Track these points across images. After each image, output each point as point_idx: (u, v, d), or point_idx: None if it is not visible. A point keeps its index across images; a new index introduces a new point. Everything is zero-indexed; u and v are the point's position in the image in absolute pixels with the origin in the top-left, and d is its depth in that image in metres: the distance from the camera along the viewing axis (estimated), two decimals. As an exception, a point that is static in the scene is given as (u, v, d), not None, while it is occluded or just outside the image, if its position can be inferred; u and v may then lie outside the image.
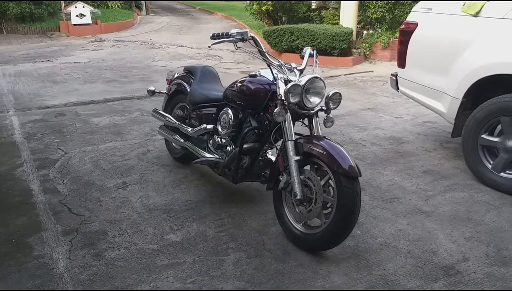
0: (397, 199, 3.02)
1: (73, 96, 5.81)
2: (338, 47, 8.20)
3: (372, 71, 7.93)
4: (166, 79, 3.68)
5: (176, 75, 3.58)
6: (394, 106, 5.54)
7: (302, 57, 2.70)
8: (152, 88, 3.64)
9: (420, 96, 3.70)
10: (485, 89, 3.18)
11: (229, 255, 2.34)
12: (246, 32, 2.45)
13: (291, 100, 2.32)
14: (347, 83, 6.95)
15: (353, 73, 7.71)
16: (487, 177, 3.17)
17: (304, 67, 2.61)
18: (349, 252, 2.38)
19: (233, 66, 8.35)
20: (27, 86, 6.37)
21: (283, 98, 2.34)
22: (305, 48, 2.74)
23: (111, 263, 2.27)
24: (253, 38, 2.48)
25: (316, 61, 2.66)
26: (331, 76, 7.38)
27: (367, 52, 8.66)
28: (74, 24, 11.46)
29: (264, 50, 2.52)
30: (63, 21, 11.58)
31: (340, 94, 2.50)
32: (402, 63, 3.81)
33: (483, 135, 3.17)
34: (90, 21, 11.60)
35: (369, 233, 2.58)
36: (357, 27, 9.08)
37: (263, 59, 2.50)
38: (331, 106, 2.50)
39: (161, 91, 3.66)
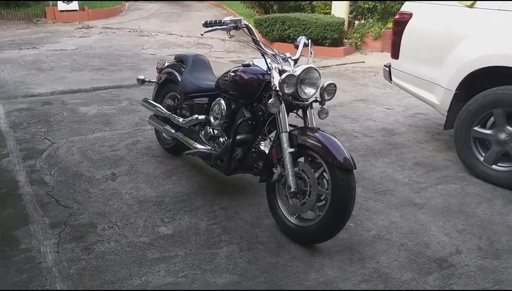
0: (390, 191, 3.01)
1: (60, 85, 5.68)
2: (329, 37, 8.16)
3: (363, 62, 7.91)
4: (156, 68, 3.60)
5: (166, 64, 3.50)
6: (386, 97, 5.53)
7: (296, 47, 2.65)
8: (141, 77, 3.56)
9: (413, 88, 3.69)
10: (479, 81, 3.17)
11: (221, 248, 2.31)
12: (240, 20, 2.39)
13: (286, 91, 2.28)
14: (339, 73, 6.92)
15: (345, 64, 7.68)
16: (479, 169, 3.17)
17: (299, 57, 2.57)
18: (342, 244, 2.37)
19: (223, 55, 8.26)
20: (12, 74, 6.21)
21: (277, 89, 2.30)
22: (299, 38, 2.69)
23: (100, 257, 2.22)
24: (247, 26, 2.42)
25: (310, 51, 2.62)
26: (322, 67, 7.33)
27: (359, 43, 8.63)
28: (61, 11, 11.21)
29: (258, 39, 2.46)
30: (49, 7, 11.32)
31: (335, 85, 2.47)
32: (395, 54, 3.78)
33: (475, 128, 3.17)
34: (77, 7, 11.36)
35: (362, 225, 2.57)
36: (349, 17, 9.03)
37: (257, 48, 2.45)
38: (326, 98, 2.46)
39: (151, 80, 3.59)
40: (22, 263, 2.16)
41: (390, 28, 8.46)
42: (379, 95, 5.62)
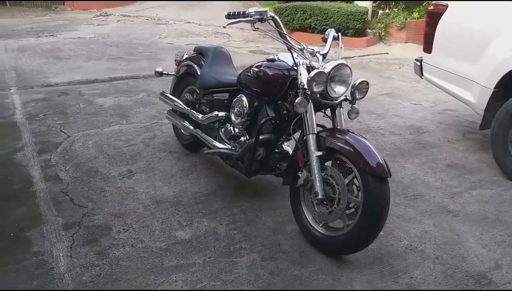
0: (421, 195, 2.82)
1: (77, 74, 5.59)
2: (352, 27, 7.89)
3: (387, 53, 7.62)
4: (175, 60, 3.45)
5: (185, 56, 3.34)
6: (412, 91, 5.28)
7: (325, 40, 2.47)
8: (159, 69, 3.41)
9: (447, 84, 3.46)
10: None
11: (242, 257, 2.17)
12: (266, 11, 2.21)
13: (315, 89, 2.10)
14: (362, 65, 6.67)
15: (368, 55, 7.41)
16: (517, 174, 2.96)
17: (327, 52, 2.39)
18: (372, 256, 2.20)
19: (242, 45, 8.07)
20: (30, 62, 6.16)
21: (305, 87, 2.12)
22: (328, 30, 2.51)
23: (115, 263, 2.10)
24: (273, 18, 2.25)
25: (341, 45, 2.43)
26: (344, 58, 7.04)
27: (382, 33, 8.33)
28: (79, -2, 11.14)
29: (285, 32, 2.29)
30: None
31: (367, 83, 2.28)
32: (428, 48, 3.54)
33: (515, 129, 2.94)
34: (95, -5, 11.27)
35: (393, 234, 2.39)
36: (373, 6, 8.71)
37: (283, 42, 2.28)
38: (357, 96, 2.27)
39: (169, 73, 3.44)
40: (33, 268, 2.06)
41: (415, 18, 8.14)
42: (405, 90, 5.37)
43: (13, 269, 2.04)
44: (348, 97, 2.28)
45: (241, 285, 1.98)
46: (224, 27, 2.35)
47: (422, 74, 3.73)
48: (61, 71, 5.75)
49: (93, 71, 5.79)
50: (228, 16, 2.31)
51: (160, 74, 3.41)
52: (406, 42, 8.20)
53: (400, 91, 5.28)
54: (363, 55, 7.38)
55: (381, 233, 2.36)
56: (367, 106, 4.63)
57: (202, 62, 3.10)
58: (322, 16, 7.98)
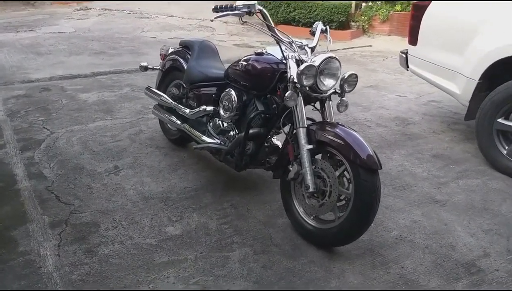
0: (409, 186, 2.85)
1: (59, 69, 5.47)
2: (336, 20, 7.91)
3: (370, 45, 7.67)
4: (160, 54, 3.39)
5: (171, 50, 3.29)
6: (397, 83, 5.33)
7: (313, 34, 2.46)
8: (144, 63, 3.36)
9: (432, 76, 3.49)
10: (504, 71, 2.97)
11: (234, 251, 2.16)
12: (254, 4, 2.18)
13: (305, 82, 2.09)
14: (346, 58, 6.69)
15: (352, 48, 7.44)
16: (502, 163, 3.01)
17: (316, 45, 2.38)
18: (363, 247, 2.21)
19: (226, 38, 8.01)
20: (9, 58, 6.00)
21: (295, 80, 2.11)
22: (316, 23, 2.50)
23: (105, 261, 2.07)
24: (261, 11, 2.23)
25: (329, 38, 2.43)
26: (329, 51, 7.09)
27: (366, 26, 8.37)
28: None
29: (273, 26, 2.27)
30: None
31: (356, 76, 2.28)
32: (413, 40, 3.57)
33: (499, 120, 2.98)
34: (74, -12, 11.02)
35: (383, 225, 2.41)
36: (356, -1, 8.73)
37: (272, 35, 2.26)
38: (347, 89, 2.28)
39: (155, 67, 3.39)
40: (20, 267, 2.01)
41: (398, 11, 8.20)
42: (390, 82, 5.42)
43: (-1, 270, 1.99)
44: (337, 90, 2.27)
45: (234, 280, 1.97)
46: (212, 20, 2.33)
47: (408, 67, 3.76)
48: (42, 66, 5.61)
49: (75, 66, 5.67)
50: (215, 9, 2.27)
51: (145, 68, 3.35)
52: (389, 35, 8.26)
53: (384, 84, 5.32)
54: (348, 48, 7.41)
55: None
56: (353, 99, 4.64)
57: (188, 56, 3.06)
58: (306, 9, 7.97)
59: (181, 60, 3.08)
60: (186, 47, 3.15)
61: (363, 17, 8.36)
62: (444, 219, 2.48)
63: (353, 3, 8.28)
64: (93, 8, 10.45)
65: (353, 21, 8.27)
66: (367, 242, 2.26)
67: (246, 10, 2.18)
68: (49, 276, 1.96)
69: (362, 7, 8.69)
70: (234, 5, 2.21)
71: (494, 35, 2.94)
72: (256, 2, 2.21)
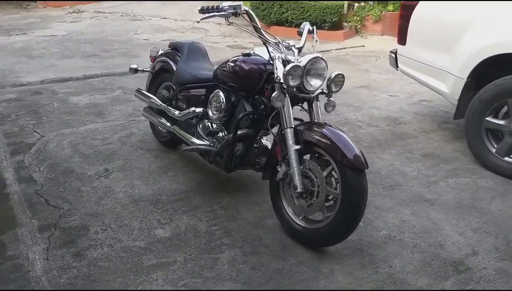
0: (399, 185, 2.86)
1: (51, 73, 5.46)
2: (328, 20, 7.93)
3: (363, 46, 7.69)
4: (150, 56, 3.39)
5: (160, 52, 3.29)
6: (389, 83, 5.35)
7: (300, 34, 2.46)
8: (134, 66, 3.35)
9: (421, 76, 3.51)
10: (491, 69, 3.00)
11: (223, 253, 2.16)
12: (239, 5, 2.19)
13: (291, 83, 2.10)
14: (339, 58, 6.72)
15: (344, 48, 7.47)
16: (491, 161, 3.03)
17: (303, 46, 2.38)
18: (352, 247, 2.22)
19: (219, 40, 8.02)
20: (1, 62, 5.99)
21: (281, 81, 2.11)
22: (303, 24, 2.50)
23: (93, 264, 2.06)
24: (247, 12, 2.23)
25: (316, 39, 2.43)
26: (321, 51, 7.11)
27: (358, 26, 8.39)
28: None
29: (259, 26, 2.27)
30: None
31: (343, 76, 2.28)
32: (402, 40, 3.59)
33: (487, 118, 3.00)
34: (67, -9, 11.00)
35: (372, 224, 2.42)
36: (348, -1, 8.76)
37: (259, 36, 2.26)
38: (334, 89, 2.27)
39: (145, 69, 3.38)
40: (8, 272, 2.00)
41: (390, 11, 8.23)
42: (382, 81, 5.44)
43: (-14, 275, 1.98)
44: (324, 90, 2.28)
45: (223, 281, 1.97)
46: (198, 22, 2.32)
47: (397, 66, 3.77)
48: (34, 70, 5.60)
49: (67, 69, 5.66)
50: (202, 10, 2.28)
51: (135, 71, 3.35)
52: (382, 35, 8.29)
53: (376, 83, 5.34)
54: (340, 48, 7.43)
55: (360, 224, 2.38)
56: (345, 99, 4.66)
57: (178, 58, 3.06)
58: (298, 10, 7.98)
59: (171, 62, 3.08)
60: (175, 49, 3.15)
61: (355, 18, 8.39)
62: (433, 218, 2.50)
63: (346, 3, 8.31)
64: (86, 10, 10.42)
65: (345, 22, 8.30)
66: (356, 241, 2.26)
67: (231, 11, 2.18)
68: (37, 280, 1.96)
69: (355, 7, 8.72)
70: (220, 6, 2.22)
71: (481, 34, 2.96)
72: (241, 3, 2.22)
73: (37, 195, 2.66)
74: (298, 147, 2.11)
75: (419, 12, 3.43)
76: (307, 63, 2.13)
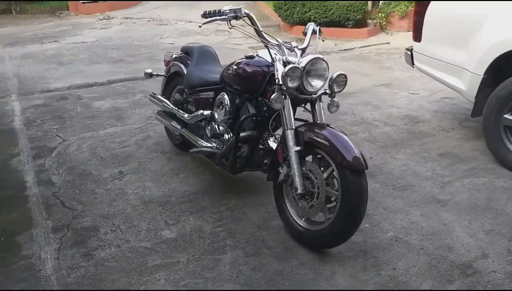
0: (411, 186, 2.79)
1: (78, 78, 5.67)
2: (352, 18, 7.81)
3: (388, 43, 7.52)
4: (164, 60, 3.47)
5: (174, 56, 3.36)
6: (411, 81, 5.21)
7: (305, 34, 2.46)
8: (149, 70, 3.44)
9: (438, 73, 3.40)
10: (509, 64, 2.87)
11: (225, 254, 2.18)
12: (240, 8, 2.21)
13: (290, 84, 2.10)
14: (361, 56, 6.60)
15: (368, 46, 7.33)
16: (510, 160, 2.90)
17: (306, 46, 2.37)
18: (356, 248, 2.19)
19: (242, 42, 8.05)
20: (32, 69, 6.26)
21: (280, 82, 2.12)
22: (308, 24, 2.49)
23: (100, 264, 2.14)
24: (247, 15, 2.25)
25: (320, 38, 2.42)
26: (344, 50, 7.03)
27: (383, 23, 8.21)
28: (83, 2, 11.26)
29: (261, 29, 2.28)
30: (71, 0, 11.36)
31: (345, 76, 2.26)
32: (418, 36, 3.49)
33: (506, 115, 2.88)
34: (97, -1, 11.38)
35: (379, 226, 2.38)
36: (373, -4, 8.59)
37: (260, 39, 2.28)
38: (336, 90, 2.26)
39: (159, 74, 3.46)
40: (21, 271, 2.11)
41: (417, 6, 8.00)
42: (404, 79, 5.30)
43: (1, 273, 2.09)
44: (327, 91, 2.26)
45: (223, 282, 2.00)
46: (199, 26, 2.35)
47: (413, 64, 3.68)
48: (62, 76, 5.83)
49: (93, 75, 5.85)
50: (204, 15, 2.31)
51: (150, 75, 3.44)
52: (409, 31, 8.02)
53: (398, 81, 5.21)
54: (364, 46, 7.30)
55: (366, 225, 2.37)
56: (364, 98, 4.59)
57: (188, 62, 3.12)
58: (321, 9, 7.91)
59: (182, 65, 3.14)
60: (186, 53, 3.21)
61: (380, 14, 8.21)
62: (443, 219, 2.42)
63: (370, 0, 8.16)
64: (115, 17, 10.74)
65: (370, 19, 8.14)
66: (361, 243, 2.23)
67: (232, 14, 2.20)
68: (47, 279, 2.05)
69: (380, 4, 8.54)
70: (222, 10, 2.24)
71: (497, 29, 2.84)
72: (242, 6, 2.23)
73: (54, 197, 2.78)
74: (298, 148, 2.11)
75: (434, 7, 3.32)
76: (306, 64, 2.12)
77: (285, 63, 2.20)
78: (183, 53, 3.25)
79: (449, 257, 2.12)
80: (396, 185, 2.81)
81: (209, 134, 2.78)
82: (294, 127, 2.15)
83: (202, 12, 2.34)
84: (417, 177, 2.90)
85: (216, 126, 2.71)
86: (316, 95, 2.23)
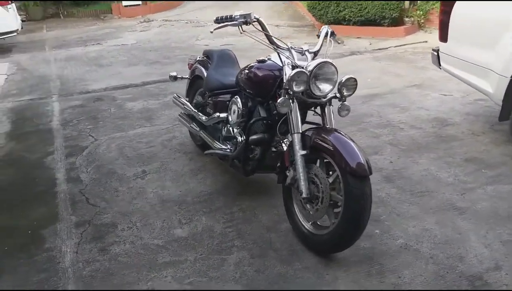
0: (429, 192, 2.72)
1: (115, 80, 5.92)
2: (388, 16, 7.62)
3: (426, 41, 7.27)
4: (188, 64, 3.57)
5: (197, 59, 3.45)
6: (445, 81, 5.01)
7: (320, 37, 2.46)
8: (174, 73, 3.55)
9: (465, 74, 3.28)
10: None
11: (232, 254, 2.24)
12: (250, 14, 2.26)
13: (295, 89, 2.11)
14: (395, 56, 6.43)
15: (404, 45, 7.12)
16: (540, 167, 2.75)
17: (319, 49, 2.37)
18: (362, 254, 2.17)
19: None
20: (75, 71, 6.60)
21: (287, 86, 2.14)
22: (322, 27, 2.49)
23: (114, 259, 2.26)
24: (258, 20, 2.29)
25: (334, 41, 2.41)
26: (378, 49, 6.88)
27: (422, 21, 7.95)
28: (125, 6, 11.71)
29: (271, 34, 2.31)
30: (114, 4, 11.85)
31: (355, 80, 2.24)
32: (444, 36, 3.38)
33: (536, 119, 2.74)
34: (140, 2, 11.78)
35: (390, 232, 2.34)
36: (412, -7, 8.33)
37: (270, 44, 2.31)
38: (345, 93, 2.25)
39: (184, 77, 3.57)
40: (43, 262, 2.27)
41: (458, 3, 7.68)
42: (437, 79, 5.12)
43: (25, 264, 2.26)
44: (337, 94, 2.26)
45: (225, 282, 2.05)
46: (211, 32, 2.41)
47: (440, 65, 3.56)
48: (101, 78, 6.10)
49: (129, 76, 6.09)
50: (216, 20, 2.37)
51: (175, 78, 3.55)
52: (449, 29, 7.76)
53: (431, 82, 5.04)
54: (399, 45, 7.10)
55: (376, 231, 2.35)
56: (392, 99, 4.49)
57: (209, 65, 3.19)
58: (356, 8, 7.78)
59: (203, 69, 3.23)
60: (207, 56, 3.29)
61: (418, 12, 7.96)
62: (459, 228, 2.35)
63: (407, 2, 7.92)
64: (155, 19, 11.09)
65: (407, 17, 7.91)
66: (368, 249, 2.21)
67: (242, 20, 2.25)
68: (64, 271, 2.19)
69: (418, 1, 8.27)
70: (233, 16, 2.30)
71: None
72: (252, 11, 2.27)
73: (80, 193, 2.95)
74: (303, 152, 2.12)
75: (460, 6, 3.20)
76: (313, 68, 2.13)
77: (293, 67, 2.22)
78: (205, 56, 3.33)
79: (459, 267, 2.05)
80: (414, 191, 2.75)
81: (224, 137, 2.84)
82: (300, 131, 2.16)
83: (214, 18, 2.40)
84: (438, 183, 2.82)
85: (230, 128, 2.76)
86: (325, 99, 2.23)
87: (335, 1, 7.98)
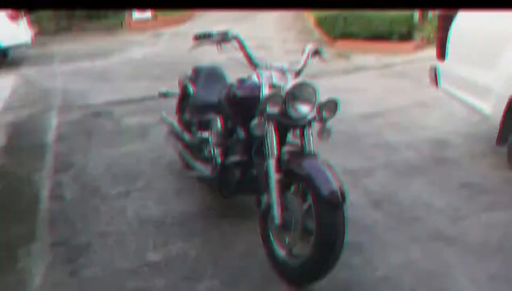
0: (418, 219, 2.58)
1: (116, 95, 5.91)
2: (397, 31, 7.50)
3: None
4: (178, 81, 3.52)
5: (187, 75, 3.40)
6: (450, 100, 4.85)
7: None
8: (164, 90, 3.51)
9: (463, 94, 3.14)
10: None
11: (202, 282, 2.14)
12: (227, 32, 2.20)
13: (270, 110, 2.03)
14: (402, 73, 6.30)
15: (412, 61, 6.98)
16: (539, 195, 2.59)
17: (302, 68, 2.29)
18: (337, 285, 2.05)
19: (281, 56, 8.02)
20: (78, 85, 6.63)
21: (263, 107, 2.05)
22: (306, 45, 2.42)
23: (82, 283, 2.19)
24: (236, 37, 2.22)
25: (313, 60, 2.34)
26: (385, 66, 6.76)
27: (433, 36, 7.79)
28: (136, 20, 11.86)
29: (250, 52, 2.24)
30: (126, 17, 12.02)
31: (336, 102, 2.14)
32: (442, 54, 3.25)
33: (534, 144, 2.59)
34: (150, 16, 11.93)
35: (371, 263, 2.21)
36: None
37: (248, 62, 2.24)
38: (326, 116, 2.14)
39: (173, 93, 3.52)
40: (12, 285, 2.21)
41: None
42: (443, 97, 4.94)
43: (-6, 285, 2.20)
44: (317, 117, 2.16)
45: (191, 312, 1.95)
46: (188, 51, 2.36)
47: (437, 85, 3.43)
48: (103, 92, 6.10)
49: (131, 91, 6.07)
50: (195, 38, 2.32)
51: (165, 95, 3.50)
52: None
53: (436, 100, 4.87)
54: (407, 62, 6.97)
55: (356, 260, 2.22)
56: (393, 118, 4.37)
57: (197, 82, 3.13)
58: (364, 23, 7.70)
59: (190, 86, 3.17)
60: (196, 73, 3.24)
61: (429, 27, 7.81)
62: (445, 259, 2.21)
63: (419, 12, 7.79)
64: (164, 34, 11.19)
65: (417, 32, 7.77)
66: (345, 280, 2.09)
67: (219, 38, 2.19)
68: (30, 295, 2.12)
69: (429, 15, 8.14)
70: (211, 33, 2.24)
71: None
72: (229, 29, 2.22)
73: (61, 212, 2.90)
74: (277, 176, 2.02)
75: (459, 23, 3.08)
76: (289, 89, 2.04)
77: (272, 87, 2.13)
78: (194, 73, 3.28)
79: (440, 304, 1.92)
80: (402, 218, 2.61)
81: (205, 157, 2.76)
82: (275, 155, 2.07)
83: (193, 35, 2.34)
84: (428, 210, 2.68)
85: (212, 149, 2.68)
86: (303, 122, 2.13)
87: (342, 16, 7.91)
